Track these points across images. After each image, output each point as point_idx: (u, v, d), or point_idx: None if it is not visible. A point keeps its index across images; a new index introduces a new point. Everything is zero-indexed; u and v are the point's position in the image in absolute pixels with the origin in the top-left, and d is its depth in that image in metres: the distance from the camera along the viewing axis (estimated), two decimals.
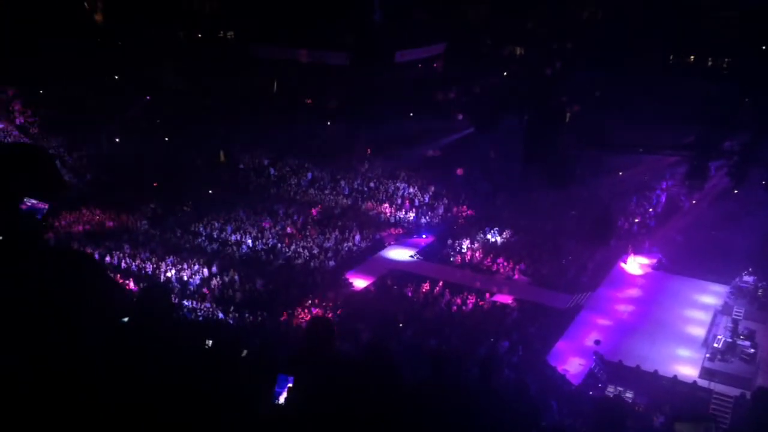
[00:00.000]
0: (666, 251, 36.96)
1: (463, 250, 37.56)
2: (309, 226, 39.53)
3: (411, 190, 45.05)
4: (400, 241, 39.69)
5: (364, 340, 25.22)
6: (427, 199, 44.08)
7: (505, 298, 32.08)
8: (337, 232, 38.61)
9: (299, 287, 32.06)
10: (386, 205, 43.43)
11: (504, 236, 39.34)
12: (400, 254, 37.92)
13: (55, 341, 2.69)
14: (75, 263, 2.69)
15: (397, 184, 45.68)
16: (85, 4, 51.39)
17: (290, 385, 4.09)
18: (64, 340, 2.68)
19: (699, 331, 29.39)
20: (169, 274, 32.41)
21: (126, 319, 4.17)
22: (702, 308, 31.67)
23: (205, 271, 33.05)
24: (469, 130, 46.56)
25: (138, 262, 33.48)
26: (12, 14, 40.24)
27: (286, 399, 4.06)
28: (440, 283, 32.75)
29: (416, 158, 47.40)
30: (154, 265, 33.14)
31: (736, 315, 29.55)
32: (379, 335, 26.56)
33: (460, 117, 46.91)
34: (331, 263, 35.33)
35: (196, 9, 51.79)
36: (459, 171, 45.61)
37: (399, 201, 43.97)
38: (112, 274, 26.47)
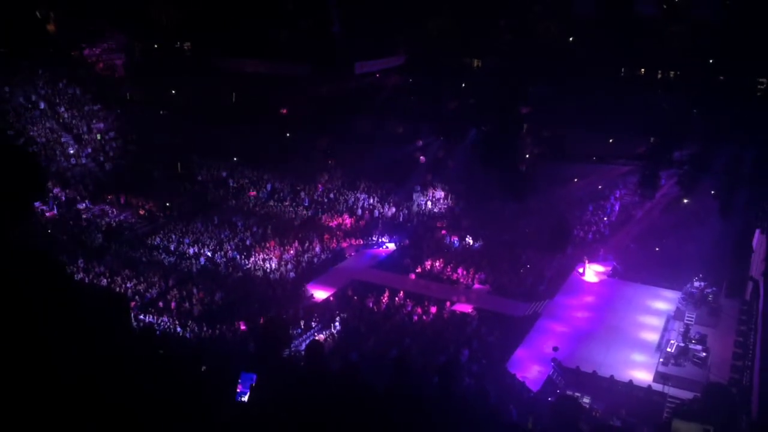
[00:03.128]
0: (620, 259, 37.79)
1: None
2: (268, 238, 39.22)
3: (371, 200, 45.14)
4: (361, 252, 39.72)
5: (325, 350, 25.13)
6: (387, 209, 44.22)
7: (465, 308, 32.35)
8: (297, 244, 38.41)
9: (259, 300, 31.79)
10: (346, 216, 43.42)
11: (464, 243, 40.01)
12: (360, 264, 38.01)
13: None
14: (41, 265, 2.68)
15: (357, 195, 45.72)
16: (37, 14, 50.34)
17: (253, 384, 4.10)
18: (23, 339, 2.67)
19: (653, 337, 30.12)
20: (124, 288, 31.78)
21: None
22: (655, 314, 32.46)
23: (162, 284, 32.54)
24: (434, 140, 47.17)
25: (92, 276, 32.72)
26: None
27: (249, 398, 4.07)
28: (401, 293, 32.88)
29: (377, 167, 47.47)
30: (109, 279, 32.45)
31: (687, 320, 30.31)
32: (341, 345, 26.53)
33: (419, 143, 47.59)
34: (291, 275, 35.13)
35: (154, 20, 51.19)
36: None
37: (359, 212, 44.01)
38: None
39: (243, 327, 28.83)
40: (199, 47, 51.84)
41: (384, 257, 39.09)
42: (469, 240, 40.04)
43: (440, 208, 44.97)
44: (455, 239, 40.30)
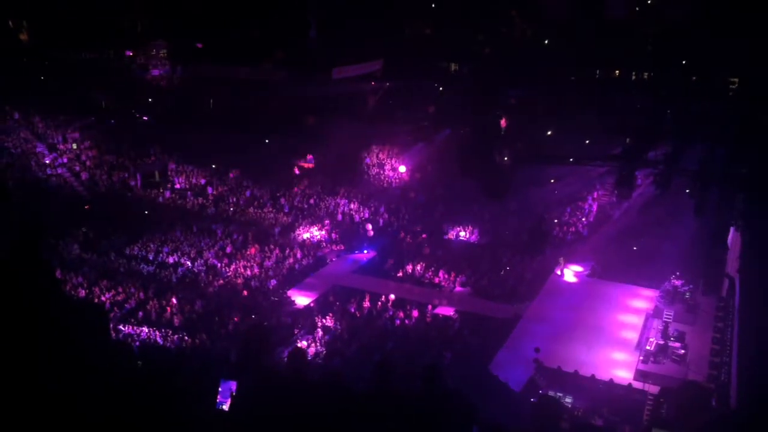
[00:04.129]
0: (599, 259, 38.11)
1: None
2: (249, 245, 38.99)
3: (352, 206, 45.09)
4: (342, 257, 39.66)
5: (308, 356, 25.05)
6: (367, 214, 44.19)
7: (447, 311, 32.44)
8: (277, 250, 38.25)
9: (240, 307, 31.58)
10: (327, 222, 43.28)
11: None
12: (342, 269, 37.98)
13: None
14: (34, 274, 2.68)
15: (337, 201, 45.65)
16: (10, 23, 49.76)
17: (233, 392, 4.09)
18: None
19: (632, 335, 30.44)
20: (103, 299, 31.41)
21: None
22: (634, 313, 32.81)
23: (141, 294, 32.21)
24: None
25: (69, 287, 32.27)
26: None
27: (231, 406, 4.06)
28: (383, 298, 32.89)
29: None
30: (87, 290, 32.05)
31: (666, 318, 30.67)
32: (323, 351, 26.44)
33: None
34: (272, 282, 34.96)
35: (127, 28, 50.83)
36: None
37: (339, 217, 43.93)
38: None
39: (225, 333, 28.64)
40: (175, 53, 51.51)
41: (365, 262, 39.07)
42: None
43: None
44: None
